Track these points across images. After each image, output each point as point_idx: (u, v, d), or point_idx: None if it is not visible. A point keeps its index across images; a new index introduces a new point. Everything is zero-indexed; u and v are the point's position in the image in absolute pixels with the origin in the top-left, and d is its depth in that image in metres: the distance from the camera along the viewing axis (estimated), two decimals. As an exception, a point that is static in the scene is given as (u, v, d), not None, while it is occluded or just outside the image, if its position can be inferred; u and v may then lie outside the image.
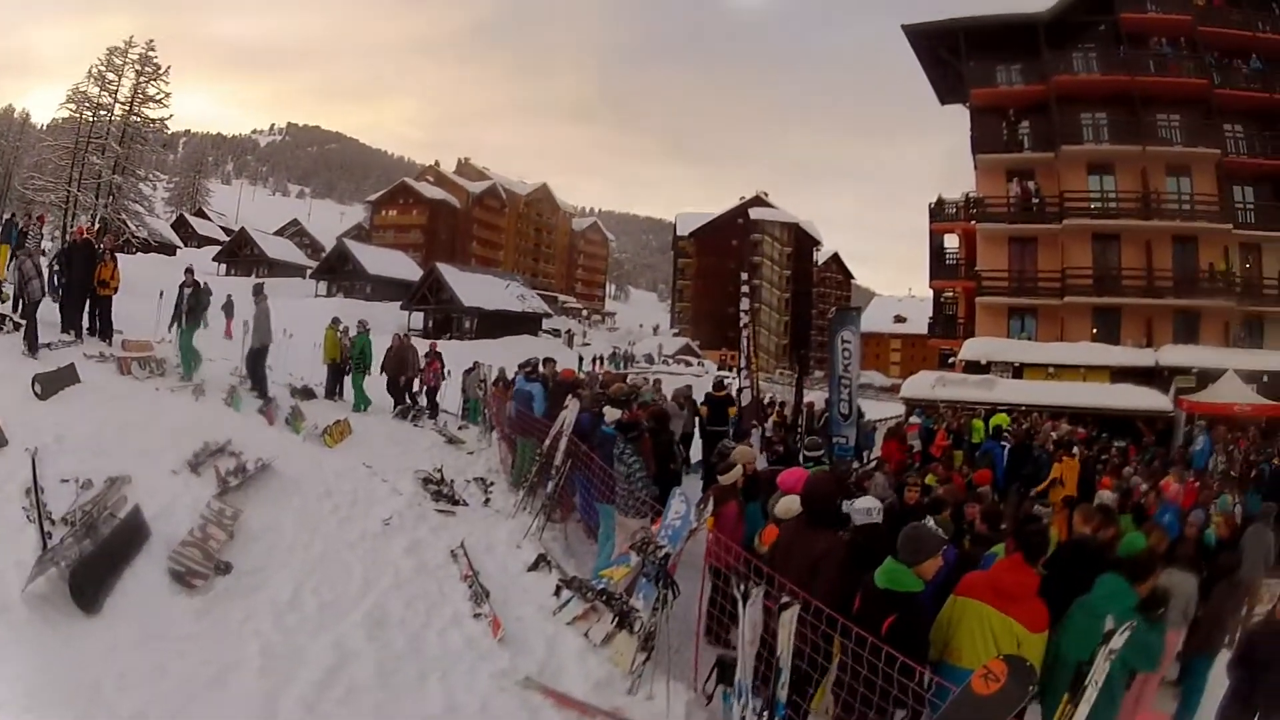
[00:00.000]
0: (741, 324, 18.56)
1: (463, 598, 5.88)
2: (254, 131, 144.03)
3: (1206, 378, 22.08)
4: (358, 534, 6.79)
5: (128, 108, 43.79)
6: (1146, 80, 24.54)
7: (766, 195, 74.39)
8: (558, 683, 4.91)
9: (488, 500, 8.90)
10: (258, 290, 12.79)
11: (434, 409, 14.34)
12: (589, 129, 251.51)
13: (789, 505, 5.47)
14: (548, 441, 8.22)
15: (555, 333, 57.29)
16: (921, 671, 3.99)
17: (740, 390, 16.60)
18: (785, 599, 4.49)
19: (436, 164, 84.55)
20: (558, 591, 6.11)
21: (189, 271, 12.95)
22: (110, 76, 43.52)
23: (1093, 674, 3.74)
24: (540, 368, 11.14)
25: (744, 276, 19.55)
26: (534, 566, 6.68)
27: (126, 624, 4.38)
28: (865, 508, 5.41)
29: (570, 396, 8.56)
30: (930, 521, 6.11)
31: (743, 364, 18.39)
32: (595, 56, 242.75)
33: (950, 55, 26.24)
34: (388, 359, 14.12)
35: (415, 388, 14.72)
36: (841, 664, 4.20)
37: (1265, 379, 22.27)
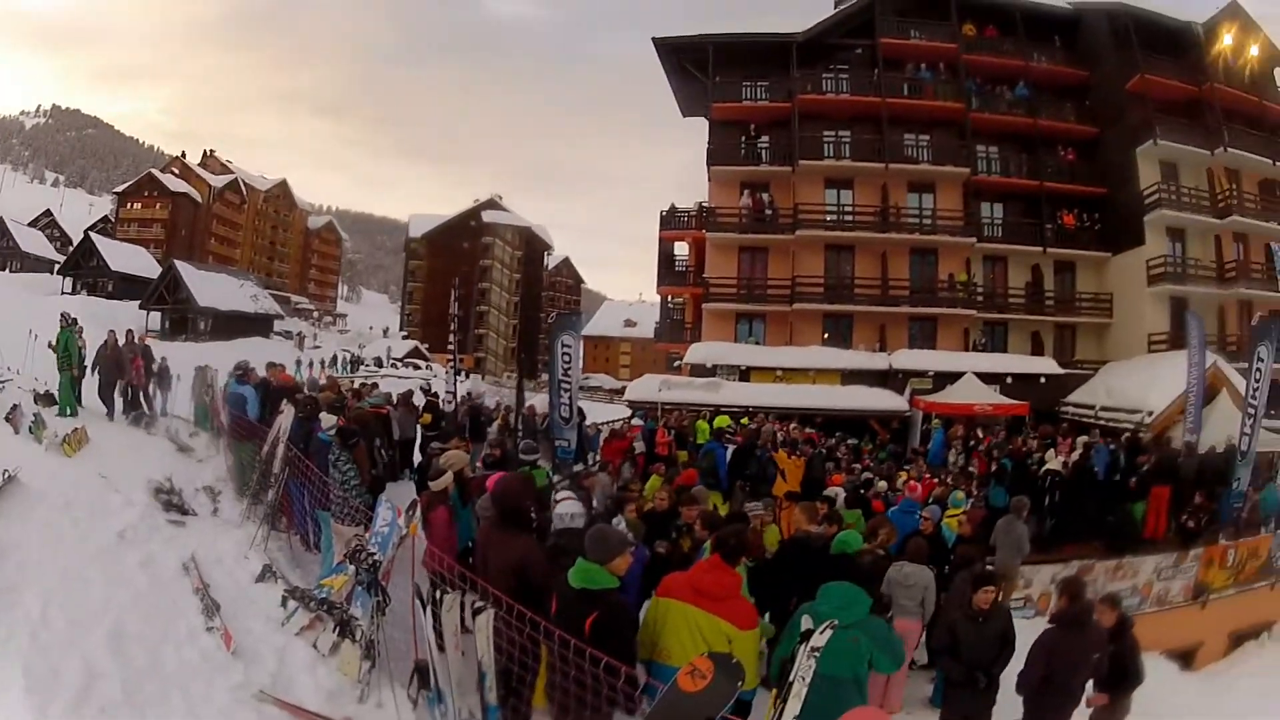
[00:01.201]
0: (451, 328, 18.12)
1: (196, 611, 5.97)
2: (22, 113, 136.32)
3: (946, 380, 23.86)
4: (96, 548, 6.78)
5: None
6: (897, 102, 26.71)
7: (501, 198, 75.65)
8: (290, 694, 5.06)
9: (216, 510, 8.97)
10: None
11: (136, 408, 13.86)
12: (336, 124, 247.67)
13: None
14: (265, 448, 8.39)
15: (288, 335, 57.30)
16: (629, 671, 4.04)
17: (450, 394, 17.47)
18: (478, 603, 4.64)
19: (182, 155, 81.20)
20: (284, 602, 6.22)
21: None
22: None
23: (797, 671, 3.95)
24: (261, 371, 11.51)
25: (455, 281, 18.85)
26: (261, 577, 6.83)
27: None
28: (565, 513, 5.97)
29: (285, 402, 8.72)
30: (621, 522, 6.49)
31: (455, 367, 18.13)
32: (352, 51, 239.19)
33: (698, 70, 27.56)
34: (99, 360, 13.48)
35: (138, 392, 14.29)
36: (551, 665, 4.28)
37: (1009, 380, 24.61)
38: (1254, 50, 28.70)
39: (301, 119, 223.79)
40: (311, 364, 42.43)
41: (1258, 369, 15.30)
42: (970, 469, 16.76)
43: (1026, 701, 5.93)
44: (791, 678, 3.96)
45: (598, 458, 15.46)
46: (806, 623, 4.21)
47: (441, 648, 4.84)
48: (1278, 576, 14.70)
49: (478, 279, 70.90)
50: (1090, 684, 6.29)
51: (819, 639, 4.00)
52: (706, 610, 4.37)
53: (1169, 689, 11.34)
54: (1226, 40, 28.11)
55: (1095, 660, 6.10)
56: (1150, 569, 13.27)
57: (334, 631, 5.54)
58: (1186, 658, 13.39)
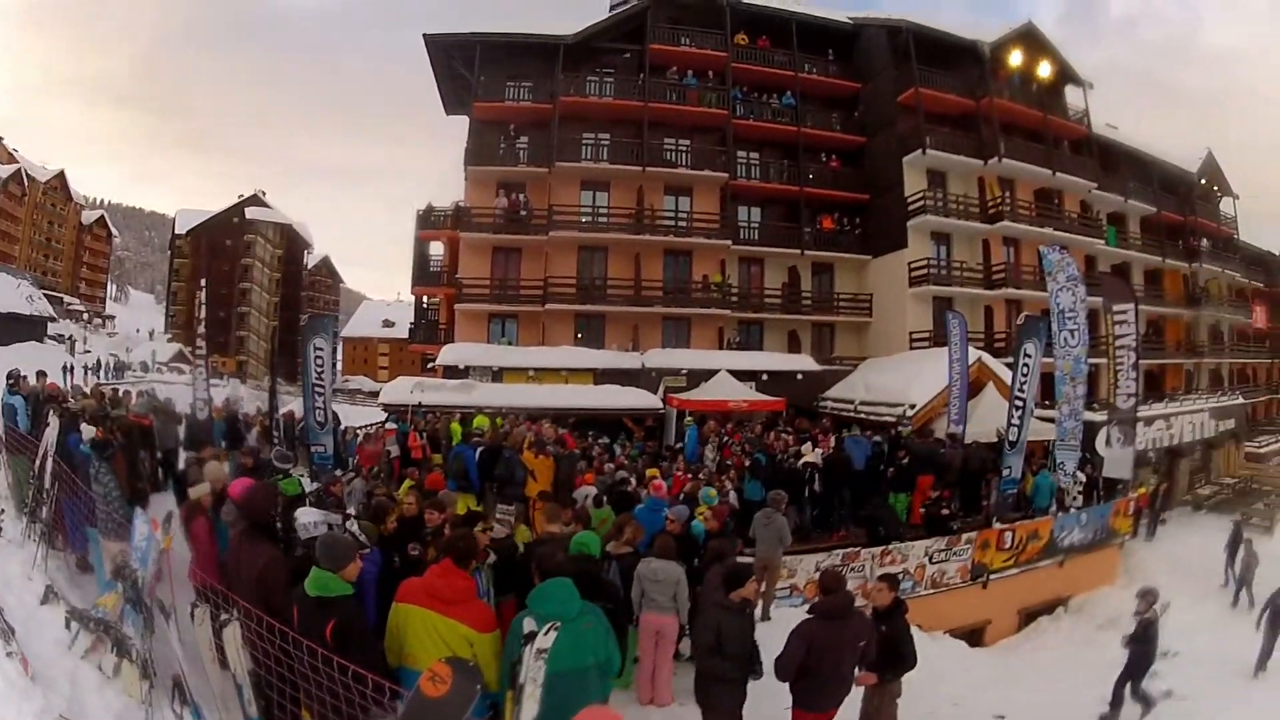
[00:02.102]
0: (199, 330, 17.58)
1: (-9, 636, 5.73)
2: None
3: (701, 378, 24.12)
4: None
5: None
6: (660, 107, 27.33)
7: (264, 194, 73.63)
8: (85, 718, 4.93)
9: (0, 529, 8.31)
10: None
11: None
12: (117, 113, 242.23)
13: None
14: (37, 462, 8.03)
15: (60, 339, 54.58)
16: (375, 678, 4.04)
17: (203, 400, 16.72)
18: (224, 616, 4.63)
19: (-35, 144, 75.47)
20: (68, 624, 5.99)
21: None
22: None
23: (526, 673, 4.03)
24: (32, 380, 11.35)
25: (201, 281, 18.23)
26: (45, 599, 6.49)
27: None
28: (307, 521, 5.81)
29: (51, 413, 8.56)
30: (354, 526, 6.45)
31: (206, 371, 17.52)
32: (144, 35, 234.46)
33: (465, 68, 27.89)
34: None
35: None
36: (304, 676, 4.27)
37: (765, 377, 25.24)
38: (1044, 69, 29.76)
39: (91, 107, 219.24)
40: (73, 369, 40.69)
41: (1025, 364, 15.99)
42: (727, 464, 16.56)
43: (791, 688, 6.00)
44: (522, 680, 4.06)
45: (355, 462, 15.46)
46: (529, 625, 4.27)
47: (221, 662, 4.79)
48: (1064, 555, 15.62)
49: (239, 278, 69.36)
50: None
51: (544, 640, 4.10)
52: (444, 615, 4.50)
53: (961, 666, 12.12)
54: (1015, 59, 29.04)
55: (862, 648, 6.19)
56: (920, 553, 13.71)
57: (113, 652, 5.39)
58: (974, 636, 14.11)
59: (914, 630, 7.84)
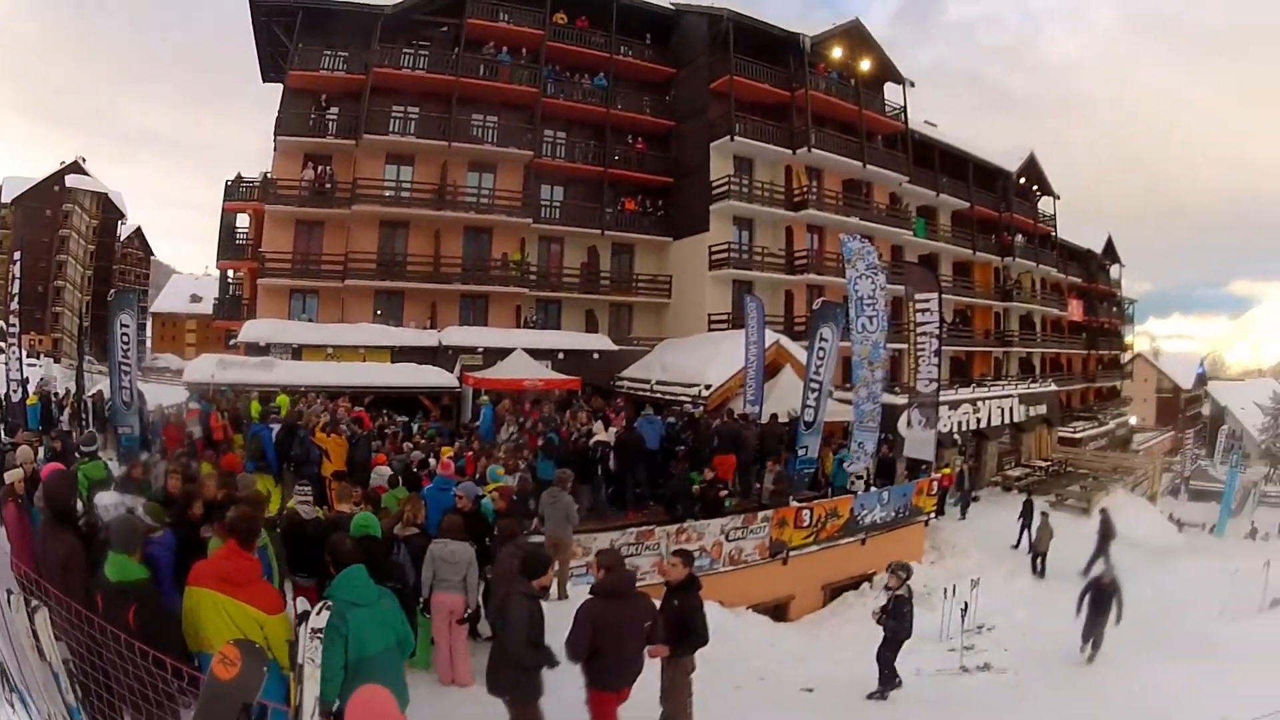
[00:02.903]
0: (11, 306, 16.89)
1: None
2: None
3: (497, 356, 24.76)
4: None
5: None
6: (471, 82, 27.58)
7: (85, 161, 68.69)
8: None
9: None
10: None
11: None
12: None
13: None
14: None
15: None
16: (174, 663, 4.08)
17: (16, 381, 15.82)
18: (34, 603, 4.53)
19: None
20: None
21: None
22: None
23: (304, 654, 4.05)
24: None
25: (17, 254, 17.57)
26: None
27: None
28: (105, 504, 5.61)
29: None
30: (140, 510, 6.13)
31: (18, 351, 16.72)
32: None
33: (285, 34, 27.23)
34: None
35: None
36: (112, 663, 4.27)
37: (561, 355, 25.97)
38: (864, 65, 30.79)
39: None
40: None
41: (820, 347, 16.88)
42: (522, 443, 16.97)
43: (583, 668, 6.03)
44: (300, 660, 4.10)
45: (160, 444, 15.13)
46: (302, 604, 4.51)
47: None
48: (866, 532, 16.26)
49: (56, 250, 65.26)
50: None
51: (317, 620, 4.13)
52: (233, 597, 4.52)
53: (766, 640, 12.63)
54: (836, 54, 30.04)
55: (648, 627, 6.22)
56: (716, 531, 14.06)
57: None
58: (778, 611, 14.67)
59: (715, 606, 8.25)
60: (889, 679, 10.24)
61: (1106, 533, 19.99)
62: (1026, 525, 20.25)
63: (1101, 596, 12.06)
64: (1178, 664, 11.39)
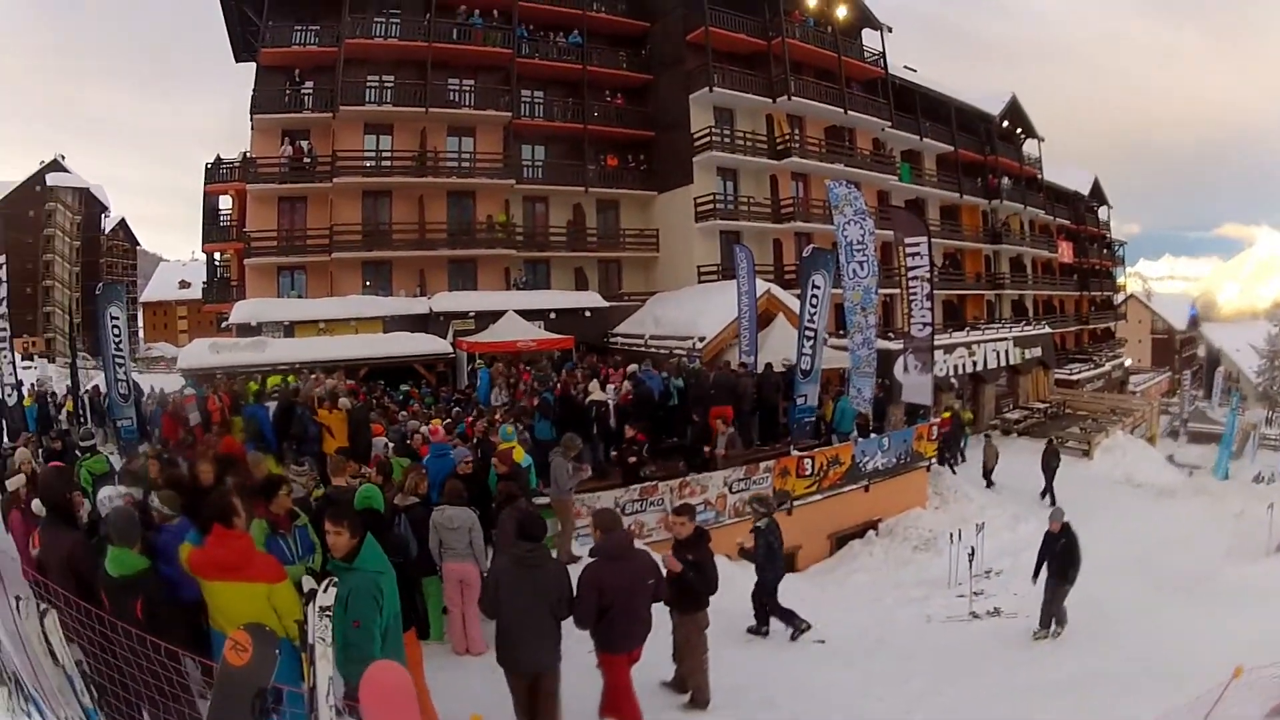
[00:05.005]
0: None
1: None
2: None
3: (489, 320, 24.79)
4: None
5: None
6: (444, 47, 27.44)
7: (64, 158, 69.52)
8: None
9: None
10: None
11: None
12: None
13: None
14: None
15: None
16: (186, 654, 4.21)
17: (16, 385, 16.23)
18: (42, 605, 4.53)
19: None
20: None
21: None
22: None
23: (314, 632, 4.04)
24: None
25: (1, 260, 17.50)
26: None
27: None
28: (104, 497, 5.86)
29: None
30: (155, 500, 6.12)
31: (11, 355, 16.71)
32: None
33: (254, 13, 27.21)
34: None
35: None
36: (126, 659, 4.26)
37: (553, 315, 25.92)
38: (841, 12, 30.83)
39: None
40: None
41: (813, 294, 16.67)
42: (521, 405, 16.71)
43: (592, 634, 6.02)
44: (311, 640, 4.11)
45: (158, 433, 15.01)
46: (308, 583, 4.39)
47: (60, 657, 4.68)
48: (869, 479, 16.21)
49: (42, 250, 65.86)
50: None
51: (324, 598, 4.14)
52: (234, 580, 4.49)
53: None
54: (811, 1, 29.97)
55: (652, 584, 6.18)
56: (719, 483, 14.05)
57: None
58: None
59: (723, 559, 8.29)
60: (763, 620, 10.12)
61: (1049, 463, 20.75)
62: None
63: (1053, 553, 10.66)
64: (1185, 609, 11.41)
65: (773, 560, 9.93)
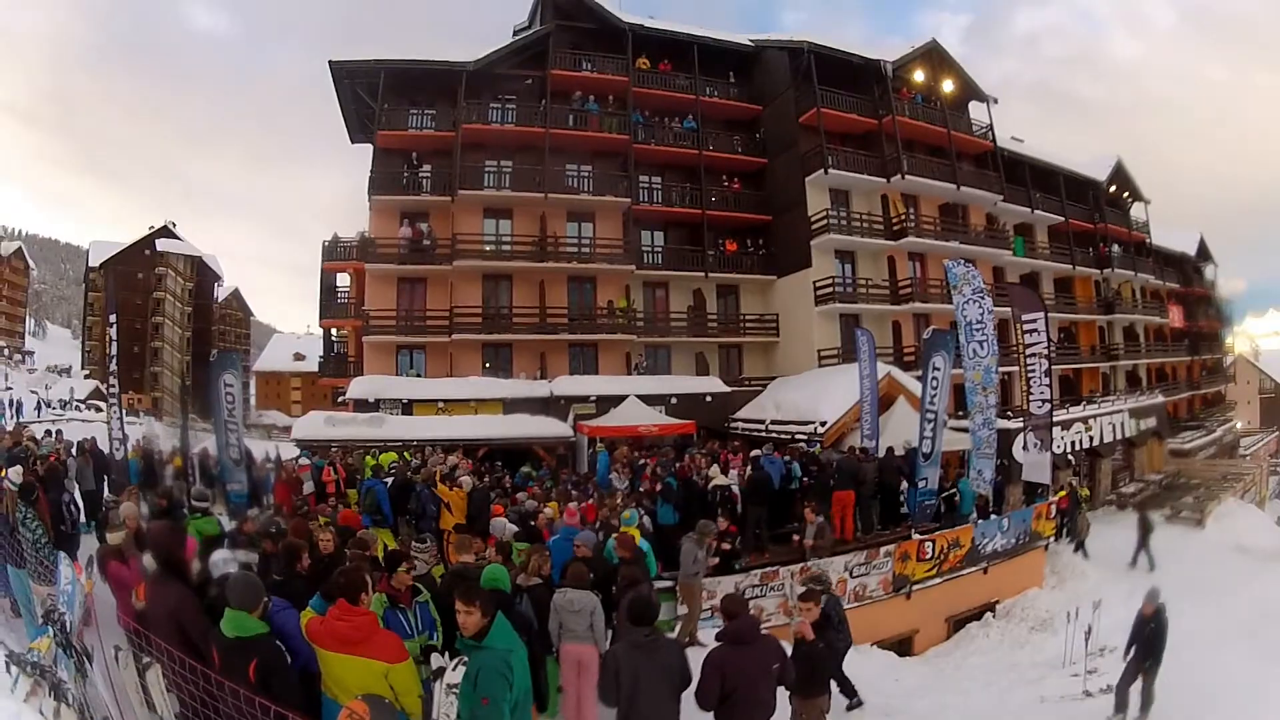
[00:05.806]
0: (110, 367, 17.58)
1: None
2: None
3: (610, 404, 24.71)
4: None
5: None
6: (561, 133, 28.04)
7: (175, 225, 73.71)
8: None
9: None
10: None
11: None
12: (24, 133, 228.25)
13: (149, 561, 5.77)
14: None
15: None
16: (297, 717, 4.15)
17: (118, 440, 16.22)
18: (145, 659, 4.75)
19: None
20: (8, 667, 5.58)
21: None
22: None
23: (439, 709, 4.23)
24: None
25: (113, 317, 18.27)
26: None
27: None
28: (219, 560, 5.85)
29: None
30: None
31: (119, 409, 17.28)
32: (45, 50, 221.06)
33: (368, 95, 28.14)
34: None
35: None
36: (230, 717, 4.31)
37: (674, 400, 25.73)
38: (947, 86, 30.72)
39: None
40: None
41: (934, 376, 16.62)
42: (641, 490, 16.62)
43: (714, 716, 5.96)
44: (435, 716, 4.27)
45: (271, 500, 15.32)
46: (436, 660, 4.74)
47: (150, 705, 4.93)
48: (988, 561, 15.87)
49: (151, 312, 69.07)
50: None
51: (452, 675, 4.27)
52: (353, 655, 4.55)
53: (891, 675, 12.35)
54: (918, 77, 29.96)
55: (776, 670, 6.11)
56: (840, 568, 13.77)
57: (51, 696, 5.24)
58: (903, 646, 14.33)
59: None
60: (849, 690, 9.88)
61: (1145, 530, 20.66)
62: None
63: (1143, 637, 10.29)
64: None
65: (841, 631, 9.58)
